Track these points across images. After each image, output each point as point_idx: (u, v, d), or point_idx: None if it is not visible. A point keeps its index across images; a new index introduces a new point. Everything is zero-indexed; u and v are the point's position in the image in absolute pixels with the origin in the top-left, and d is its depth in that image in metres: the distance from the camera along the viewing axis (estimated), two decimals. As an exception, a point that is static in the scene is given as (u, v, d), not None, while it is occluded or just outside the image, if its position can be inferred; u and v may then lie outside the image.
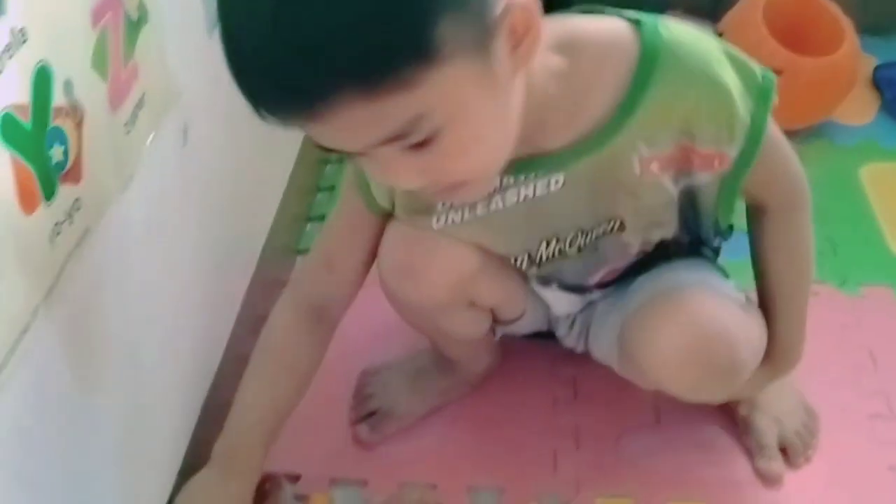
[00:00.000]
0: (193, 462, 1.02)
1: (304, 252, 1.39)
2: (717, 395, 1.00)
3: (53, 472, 0.77)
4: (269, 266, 1.28)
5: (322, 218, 1.45)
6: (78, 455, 0.81)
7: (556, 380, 1.19)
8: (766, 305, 0.99)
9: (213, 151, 1.08)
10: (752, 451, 1.09)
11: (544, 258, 0.94)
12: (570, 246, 0.93)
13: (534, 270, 0.97)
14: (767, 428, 1.08)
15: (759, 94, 0.84)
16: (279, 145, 1.36)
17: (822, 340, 1.10)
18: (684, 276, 0.95)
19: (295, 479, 1.08)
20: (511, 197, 0.88)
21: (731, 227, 0.97)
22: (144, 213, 0.89)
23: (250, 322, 1.20)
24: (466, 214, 0.91)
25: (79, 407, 0.80)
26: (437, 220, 0.92)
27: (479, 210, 0.90)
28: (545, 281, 1.01)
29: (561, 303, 1.05)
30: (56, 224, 0.72)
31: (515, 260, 0.96)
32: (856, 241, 1.34)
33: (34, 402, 0.73)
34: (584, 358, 1.20)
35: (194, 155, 1.01)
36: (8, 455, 0.70)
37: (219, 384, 1.10)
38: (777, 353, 0.99)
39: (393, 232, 0.95)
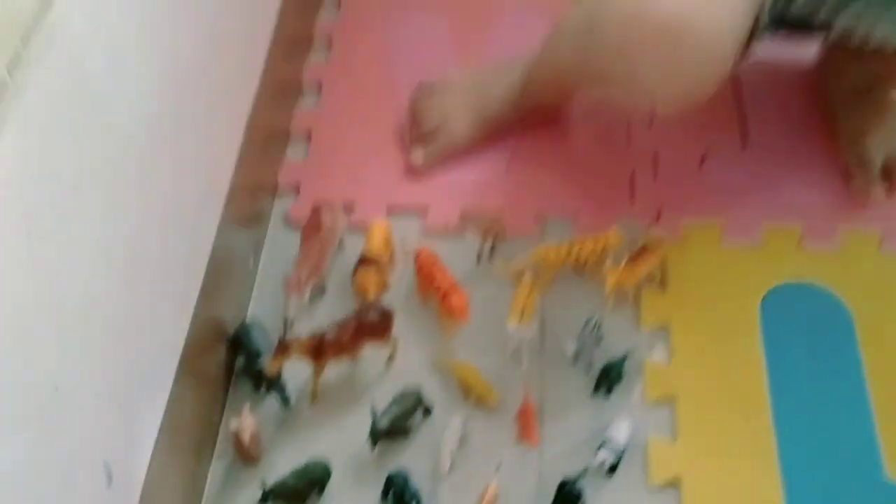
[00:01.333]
0: (241, 181, 0.93)
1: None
2: None
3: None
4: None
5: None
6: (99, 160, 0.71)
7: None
8: None
9: None
10: (851, 171, 0.99)
11: None
12: None
13: None
14: (875, 148, 0.98)
15: None
16: None
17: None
18: None
19: (349, 208, 0.99)
20: None
21: None
22: None
23: (285, 45, 1.08)
24: None
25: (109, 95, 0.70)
26: None
27: None
28: None
29: None
30: None
31: None
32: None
33: (65, 83, 0.62)
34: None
35: None
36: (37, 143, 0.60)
37: (258, 108, 0.99)
38: None
39: None
